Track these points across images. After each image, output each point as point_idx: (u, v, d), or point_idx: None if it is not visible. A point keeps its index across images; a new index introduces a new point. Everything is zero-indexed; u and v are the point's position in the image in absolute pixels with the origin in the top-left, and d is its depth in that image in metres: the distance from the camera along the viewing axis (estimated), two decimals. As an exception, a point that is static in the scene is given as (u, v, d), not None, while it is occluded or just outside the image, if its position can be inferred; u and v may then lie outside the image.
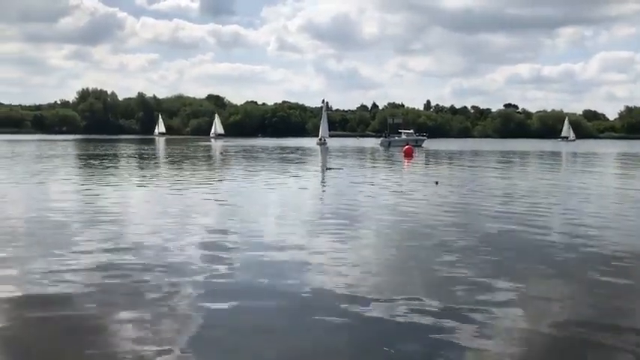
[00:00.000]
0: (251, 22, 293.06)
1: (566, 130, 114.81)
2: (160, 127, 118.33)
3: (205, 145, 68.94)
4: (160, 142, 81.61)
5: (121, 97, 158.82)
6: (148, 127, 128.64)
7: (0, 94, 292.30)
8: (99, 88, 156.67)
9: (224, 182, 21.26)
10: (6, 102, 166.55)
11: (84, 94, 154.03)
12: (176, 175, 24.25)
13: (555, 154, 53.10)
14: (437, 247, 9.24)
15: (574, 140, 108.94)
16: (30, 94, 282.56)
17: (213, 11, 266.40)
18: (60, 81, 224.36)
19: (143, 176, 23.39)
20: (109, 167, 28.77)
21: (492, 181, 22.44)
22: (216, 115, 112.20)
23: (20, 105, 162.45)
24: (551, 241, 9.84)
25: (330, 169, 27.48)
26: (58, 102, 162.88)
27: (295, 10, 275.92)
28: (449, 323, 5.73)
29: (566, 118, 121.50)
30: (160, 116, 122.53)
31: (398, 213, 13.09)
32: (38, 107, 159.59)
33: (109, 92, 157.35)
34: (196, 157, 41.66)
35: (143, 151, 49.49)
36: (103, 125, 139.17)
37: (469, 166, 33.72)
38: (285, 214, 13.25)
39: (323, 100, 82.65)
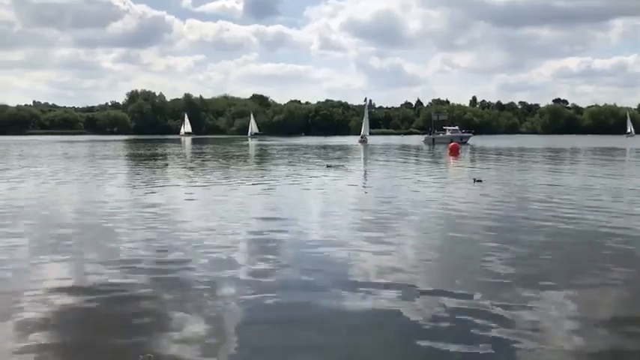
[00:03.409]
0: (294, 22, 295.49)
1: (628, 125, 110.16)
2: (186, 127, 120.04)
3: (241, 144, 69.60)
4: (186, 142, 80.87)
5: (168, 98, 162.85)
6: (195, 127, 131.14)
7: (55, 96, 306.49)
8: (147, 90, 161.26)
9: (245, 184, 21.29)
10: (61, 104, 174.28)
11: (133, 96, 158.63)
12: (205, 173, 24.55)
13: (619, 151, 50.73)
14: (468, 248, 8.91)
15: (633, 135, 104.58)
16: (83, 96, 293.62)
17: (257, 12, 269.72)
18: (111, 83, 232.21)
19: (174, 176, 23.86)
20: (154, 167, 29.54)
21: (541, 181, 21.60)
22: (252, 115, 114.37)
23: (74, 107, 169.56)
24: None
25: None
26: (109, 104, 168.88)
27: (337, 9, 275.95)
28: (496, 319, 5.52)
29: (627, 113, 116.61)
30: (186, 116, 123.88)
31: (436, 212, 12.77)
32: (90, 109, 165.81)
33: (157, 94, 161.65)
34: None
35: (182, 151, 50.62)
36: (151, 126, 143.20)
37: (518, 164, 32.71)
38: (328, 212, 13.11)
39: (365, 99, 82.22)
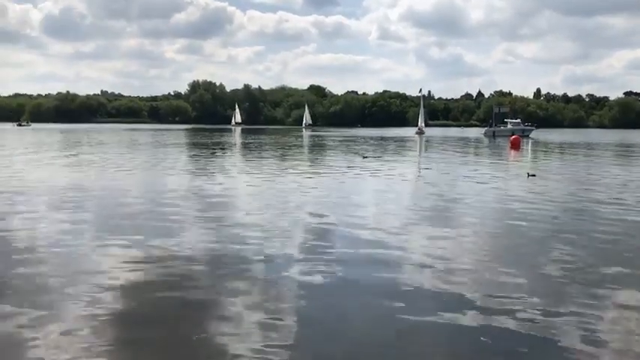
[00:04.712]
0: (353, 12, 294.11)
1: None
2: (237, 118, 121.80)
3: (295, 135, 70.07)
4: (237, 132, 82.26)
5: (228, 89, 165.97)
6: (254, 117, 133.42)
7: (122, 86, 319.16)
8: (208, 80, 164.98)
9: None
10: (126, 94, 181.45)
11: (194, 86, 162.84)
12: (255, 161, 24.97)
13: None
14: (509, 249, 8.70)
15: None
16: (147, 86, 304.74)
17: (316, 2, 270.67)
18: (174, 73, 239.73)
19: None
20: (210, 156, 30.36)
21: (605, 178, 20.61)
22: (306, 106, 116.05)
23: (138, 96, 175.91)
24: None
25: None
26: (172, 93, 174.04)
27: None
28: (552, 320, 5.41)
29: None
30: (237, 106, 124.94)
31: (475, 207, 12.50)
32: (154, 98, 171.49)
33: (217, 84, 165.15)
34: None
35: (247, 141, 51.65)
36: (211, 115, 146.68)
37: (581, 159, 31.36)
38: (377, 204, 13.15)
39: (420, 90, 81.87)
